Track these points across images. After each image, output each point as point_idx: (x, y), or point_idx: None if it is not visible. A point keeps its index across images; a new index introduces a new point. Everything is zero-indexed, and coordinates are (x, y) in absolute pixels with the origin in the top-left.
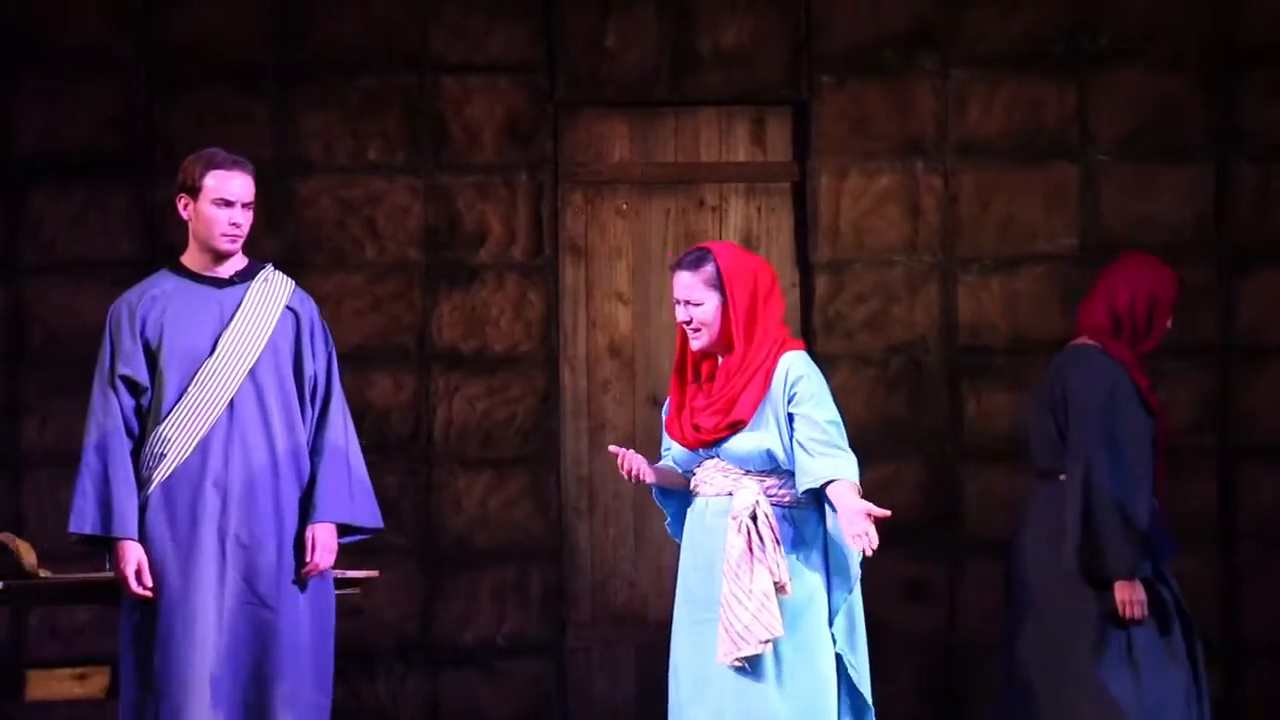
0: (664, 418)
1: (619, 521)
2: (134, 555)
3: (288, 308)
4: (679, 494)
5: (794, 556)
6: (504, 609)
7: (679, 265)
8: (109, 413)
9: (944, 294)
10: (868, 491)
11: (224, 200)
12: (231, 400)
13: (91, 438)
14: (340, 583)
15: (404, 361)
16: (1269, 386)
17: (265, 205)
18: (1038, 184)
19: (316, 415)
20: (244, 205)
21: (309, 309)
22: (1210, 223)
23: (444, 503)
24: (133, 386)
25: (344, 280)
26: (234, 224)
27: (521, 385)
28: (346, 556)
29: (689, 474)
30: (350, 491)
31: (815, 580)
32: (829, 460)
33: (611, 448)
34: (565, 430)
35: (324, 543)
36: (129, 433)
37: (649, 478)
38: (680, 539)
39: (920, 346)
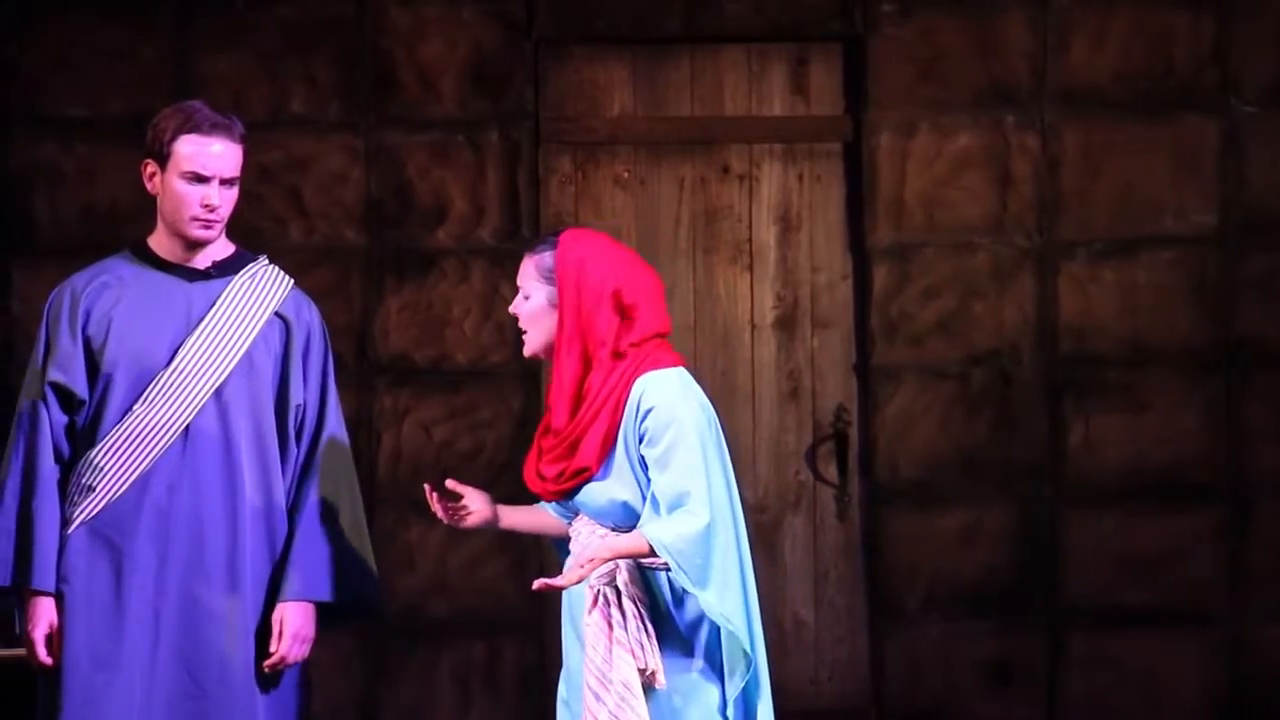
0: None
1: None
2: (46, 616)
3: (277, 314)
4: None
5: (672, 637)
6: (469, 696)
7: (528, 245)
8: (38, 429)
9: (1041, 288)
10: (943, 541)
11: (195, 174)
12: (188, 427)
13: (12, 462)
14: None
15: (339, 375)
16: None
17: None
18: (1164, 144)
19: (302, 459)
20: (224, 181)
21: (307, 318)
22: None
23: (391, 559)
24: (66, 397)
25: None
26: (207, 205)
27: (492, 406)
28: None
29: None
30: (340, 560)
31: (698, 665)
32: (658, 524)
33: (449, 483)
34: None
35: (295, 628)
36: (58, 456)
37: (473, 521)
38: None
39: (1010, 356)
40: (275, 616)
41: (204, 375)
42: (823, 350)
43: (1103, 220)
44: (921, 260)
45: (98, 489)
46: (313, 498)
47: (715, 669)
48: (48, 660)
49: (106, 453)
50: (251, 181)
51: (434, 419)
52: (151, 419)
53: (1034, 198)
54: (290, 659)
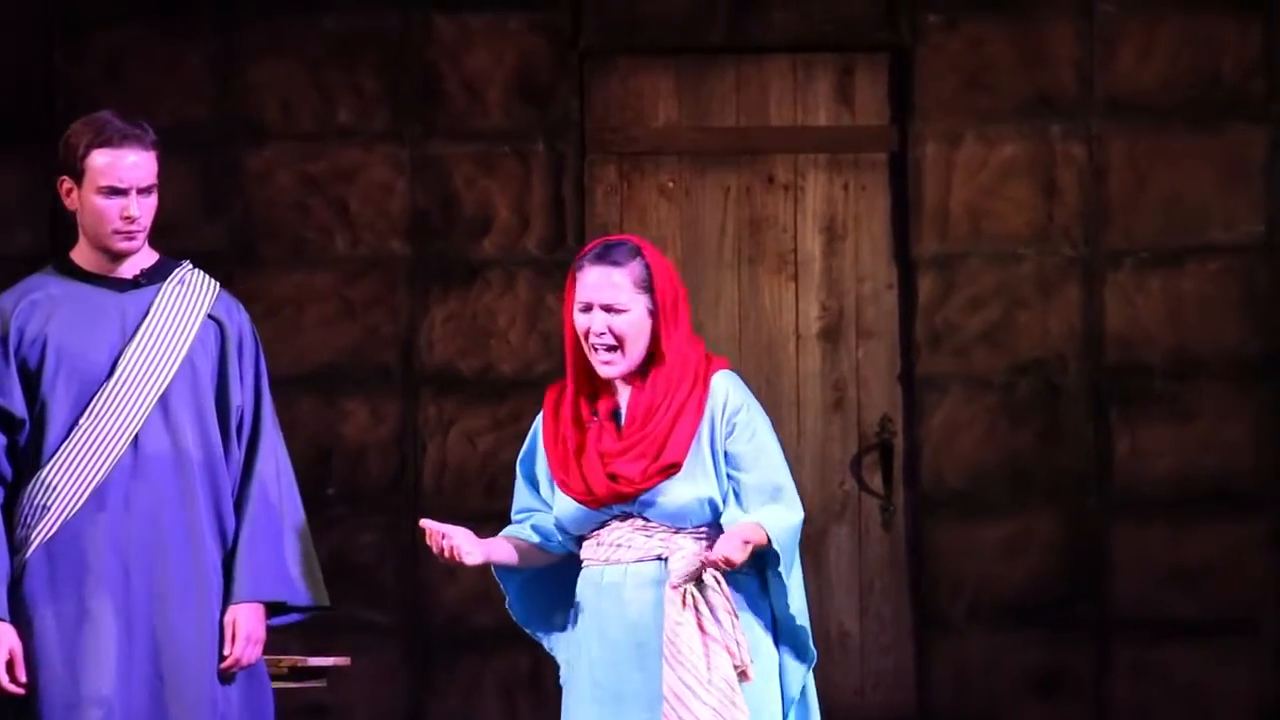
0: (524, 471)
1: None
2: (4, 642)
3: (210, 317)
4: (526, 570)
5: (746, 632)
6: (514, 706)
7: (600, 258)
8: None
9: (1087, 297)
10: (989, 552)
11: (112, 188)
12: (136, 436)
13: None
14: (301, 673)
15: (384, 385)
16: None
17: (203, 182)
18: (1212, 153)
19: (242, 458)
20: (141, 191)
21: (238, 319)
22: None
23: (436, 569)
24: (6, 420)
25: (306, 280)
26: (127, 217)
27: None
28: (308, 639)
29: (563, 544)
30: (284, 559)
31: (772, 660)
32: (768, 513)
33: (424, 522)
34: None
35: (247, 629)
36: (1, 480)
37: (475, 559)
38: (530, 623)
39: (1056, 366)
40: (227, 619)
41: (147, 383)
42: (867, 360)
43: (1149, 230)
44: (967, 270)
45: (52, 507)
46: (255, 498)
47: (774, 670)
48: (13, 687)
49: (58, 470)
50: (298, 192)
51: (479, 429)
52: (100, 432)
53: (1080, 207)
54: (245, 661)
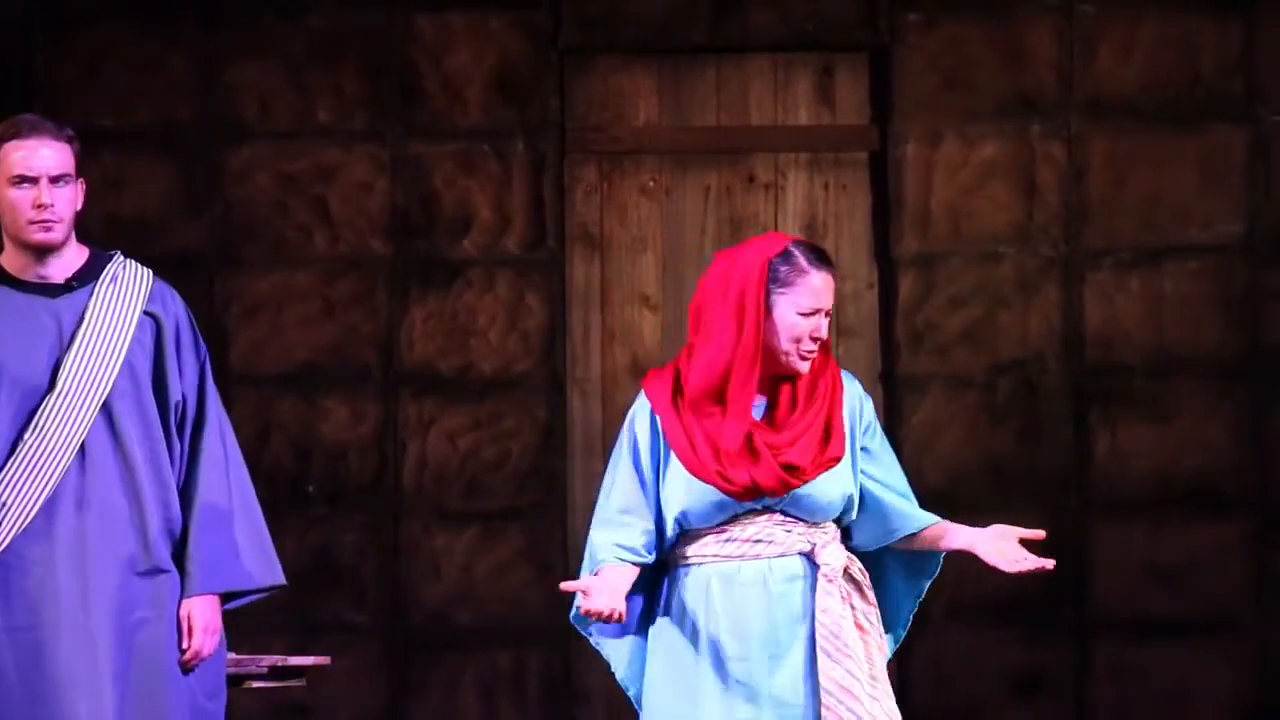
0: (634, 467)
1: None
2: None
3: (145, 312)
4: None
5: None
6: (494, 706)
7: (825, 262)
8: None
9: (1067, 297)
10: (960, 558)
11: (22, 176)
12: (83, 445)
13: None
14: (281, 672)
15: (365, 385)
16: None
17: (184, 181)
18: (1191, 153)
19: (186, 450)
20: (54, 180)
21: (174, 309)
22: None
23: (416, 568)
24: None
25: (286, 280)
26: (40, 205)
27: (517, 415)
28: (288, 638)
29: (669, 549)
30: (234, 546)
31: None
32: (915, 505)
33: (565, 585)
34: (574, 473)
35: (204, 621)
36: None
37: (623, 610)
38: (636, 687)
39: (1036, 366)
40: (183, 613)
41: (89, 391)
42: (848, 359)
43: (1129, 229)
44: (947, 270)
45: (2, 522)
46: (203, 489)
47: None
48: None
49: (5, 486)
50: (278, 191)
51: (459, 428)
52: (46, 445)
53: (1060, 207)
54: (205, 653)
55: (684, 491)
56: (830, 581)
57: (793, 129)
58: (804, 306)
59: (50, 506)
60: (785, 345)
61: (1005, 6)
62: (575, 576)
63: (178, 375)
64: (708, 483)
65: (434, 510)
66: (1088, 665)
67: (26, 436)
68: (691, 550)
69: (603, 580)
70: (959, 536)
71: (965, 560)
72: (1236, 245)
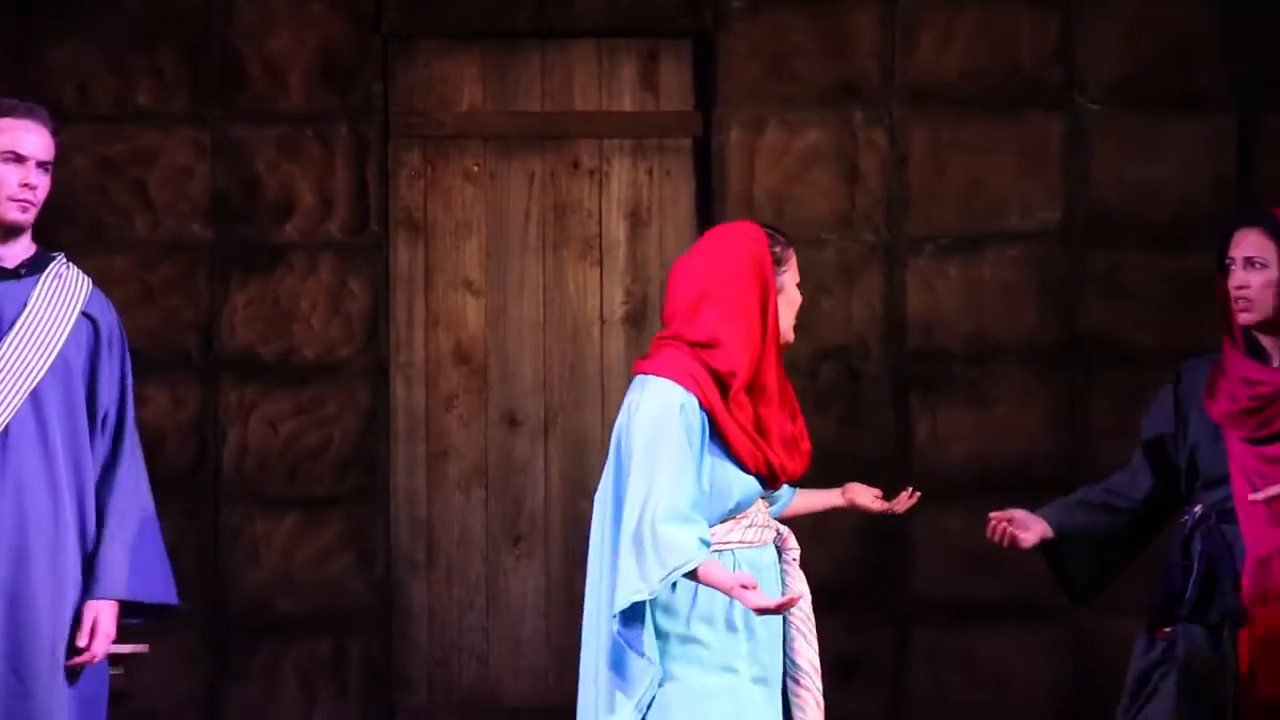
0: (696, 456)
1: (466, 578)
2: None
3: (84, 313)
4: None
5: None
6: (315, 693)
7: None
8: None
9: (888, 283)
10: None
11: (15, 153)
12: (7, 427)
13: None
14: None
15: (184, 370)
16: None
17: None
18: (1010, 141)
19: (106, 456)
20: (40, 164)
21: (109, 317)
22: (1232, 190)
23: (236, 555)
24: None
25: (105, 264)
26: (27, 185)
27: (340, 401)
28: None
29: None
30: (144, 558)
31: None
32: None
33: (765, 604)
34: (397, 459)
35: (105, 626)
36: None
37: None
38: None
39: (857, 351)
40: (86, 614)
41: (20, 377)
42: None
43: (949, 216)
44: None
45: None
46: (117, 496)
47: None
48: None
49: None
50: (96, 174)
51: (281, 414)
52: None
53: (882, 194)
54: (99, 655)
55: (734, 481)
56: (797, 565)
57: (617, 115)
58: (798, 277)
59: None
60: (789, 321)
61: None
62: (400, 564)
63: (107, 382)
64: (758, 471)
65: (254, 496)
66: (907, 649)
67: None
68: (718, 537)
69: (742, 575)
70: (826, 496)
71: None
72: (1054, 232)
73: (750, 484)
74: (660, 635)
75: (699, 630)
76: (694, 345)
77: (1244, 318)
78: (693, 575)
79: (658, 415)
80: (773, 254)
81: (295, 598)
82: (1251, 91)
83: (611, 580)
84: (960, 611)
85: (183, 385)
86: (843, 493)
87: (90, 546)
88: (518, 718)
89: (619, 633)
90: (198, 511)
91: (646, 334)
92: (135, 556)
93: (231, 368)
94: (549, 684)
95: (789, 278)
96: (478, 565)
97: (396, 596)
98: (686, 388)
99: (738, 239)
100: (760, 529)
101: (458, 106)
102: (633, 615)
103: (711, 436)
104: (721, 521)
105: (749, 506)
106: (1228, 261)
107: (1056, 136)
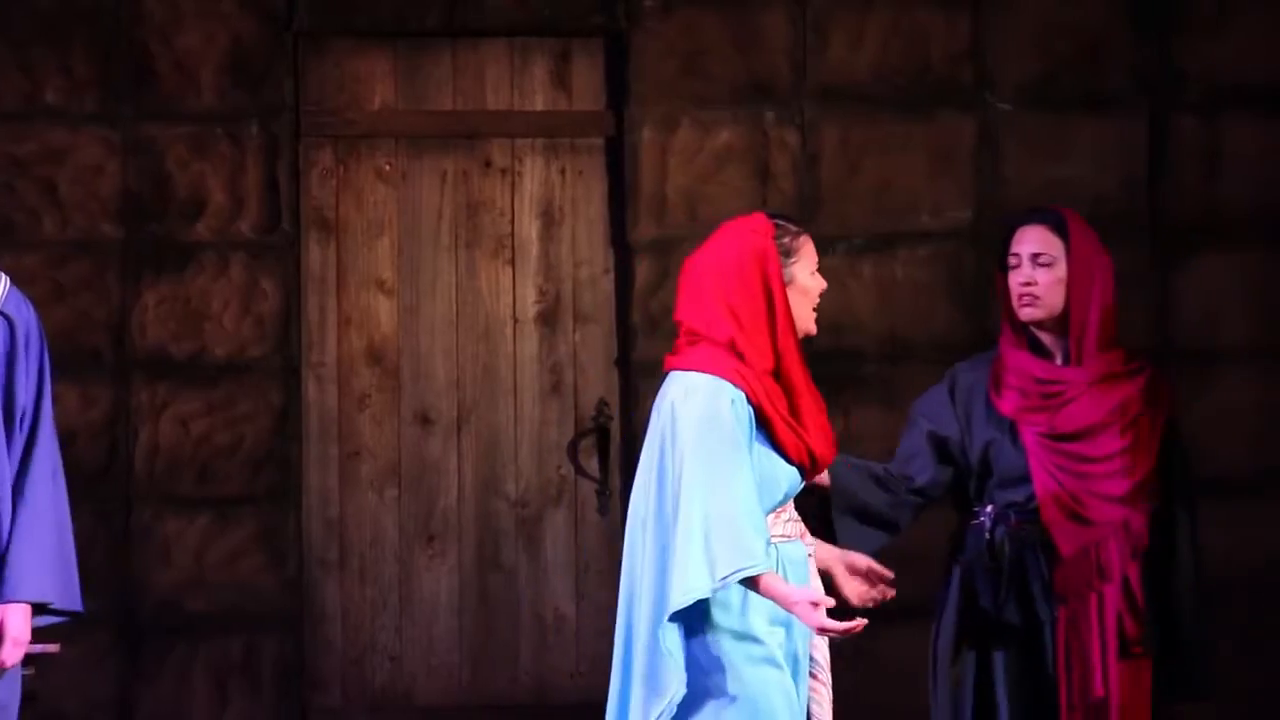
0: (748, 450)
1: (379, 579)
2: None
3: (0, 313)
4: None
5: None
6: (226, 694)
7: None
8: None
9: None
10: None
11: None
12: None
13: None
14: None
15: (95, 369)
16: (1218, 403)
17: None
18: (921, 141)
19: (19, 458)
20: None
21: (27, 316)
22: (1142, 191)
23: (147, 554)
24: None
25: (14, 263)
26: None
27: (251, 400)
28: None
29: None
30: (56, 561)
31: None
32: None
33: (835, 627)
34: (309, 459)
35: (14, 631)
36: None
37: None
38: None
39: None
40: None
41: None
42: (584, 345)
43: (861, 216)
44: (683, 255)
45: None
46: (30, 498)
47: None
48: None
49: None
50: (4, 173)
51: (192, 413)
52: None
53: (794, 193)
54: (9, 663)
55: (781, 472)
56: (813, 561)
57: (529, 114)
58: (814, 265)
59: None
60: (806, 312)
61: None
62: (312, 564)
63: (23, 382)
64: (799, 461)
65: (165, 496)
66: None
67: None
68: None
69: (807, 590)
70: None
71: None
72: (965, 232)
73: (794, 474)
74: (713, 629)
75: (755, 624)
76: (717, 343)
77: (1029, 313)
78: (753, 584)
79: (708, 411)
80: (780, 245)
81: (207, 598)
82: (1161, 92)
83: (658, 579)
84: (872, 611)
85: (93, 384)
86: (841, 557)
87: (2, 548)
88: (431, 717)
89: (662, 633)
90: (109, 511)
91: (560, 334)
92: (46, 559)
93: (143, 367)
94: (461, 683)
95: (799, 268)
96: (390, 565)
97: (309, 596)
98: (734, 383)
99: (740, 233)
100: (794, 523)
101: (369, 105)
102: (679, 616)
103: (757, 428)
104: (766, 514)
105: (792, 497)
106: (1010, 258)
107: (967, 136)
